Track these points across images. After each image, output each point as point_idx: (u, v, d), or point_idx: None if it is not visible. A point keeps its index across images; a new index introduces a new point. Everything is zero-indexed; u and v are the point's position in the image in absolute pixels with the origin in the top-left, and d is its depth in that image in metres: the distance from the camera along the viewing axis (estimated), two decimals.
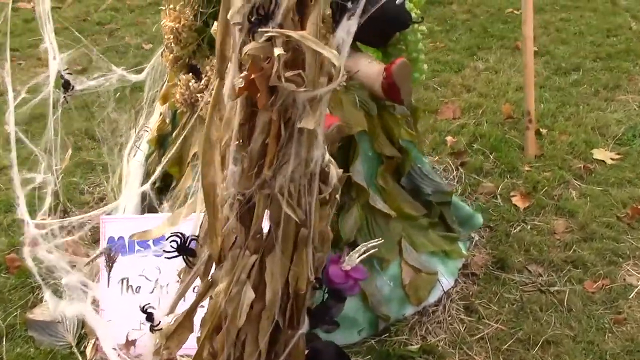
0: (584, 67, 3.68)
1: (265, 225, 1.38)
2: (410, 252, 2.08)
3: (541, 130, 3.07)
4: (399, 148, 2.12)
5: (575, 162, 2.86)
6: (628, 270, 2.30)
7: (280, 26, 1.09)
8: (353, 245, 2.04)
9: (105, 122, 2.06)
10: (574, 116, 3.21)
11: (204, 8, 1.92)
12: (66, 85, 1.71)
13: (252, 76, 1.09)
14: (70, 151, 1.88)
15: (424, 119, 3.20)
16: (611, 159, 2.89)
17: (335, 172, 1.37)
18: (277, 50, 1.08)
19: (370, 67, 2.02)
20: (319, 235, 1.55)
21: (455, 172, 2.81)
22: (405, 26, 2.02)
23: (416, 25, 2.07)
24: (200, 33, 1.94)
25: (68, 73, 1.72)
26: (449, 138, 3.03)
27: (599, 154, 2.91)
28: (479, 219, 2.35)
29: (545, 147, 2.96)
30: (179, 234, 1.44)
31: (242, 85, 1.11)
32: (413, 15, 2.04)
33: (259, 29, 1.10)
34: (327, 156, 1.29)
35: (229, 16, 1.11)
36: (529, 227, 2.51)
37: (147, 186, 1.83)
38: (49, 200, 1.77)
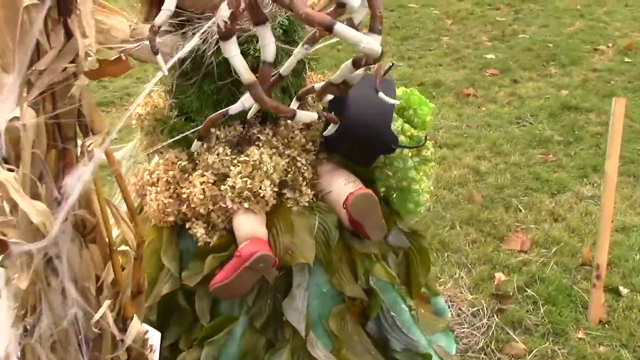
0: None
1: None
2: None
3: (621, 289, 2.47)
4: (368, 289, 1.79)
5: None
6: None
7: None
8: None
9: None
10: None
11: (169, 97, 1.78)
12: None
13: None
14: None
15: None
16: None
17: (133, 331, 1.13)
18: None
19: (344, 190, 1.73)
20: None
21: (485, 320, 2.34)
22: (388, 149, 1.70)
23: (406, 151, 1.75)
24: (163, 123, 1.80)
25: None
26: (499, 275, 2.56)
27: None
28: None
29: (617, 312, 2.37)
30: None
31: None
32: (402, 138, 1.72)
33: None
34: (103, 313, 1.06)
35: None
36: None
37: None
38: None
